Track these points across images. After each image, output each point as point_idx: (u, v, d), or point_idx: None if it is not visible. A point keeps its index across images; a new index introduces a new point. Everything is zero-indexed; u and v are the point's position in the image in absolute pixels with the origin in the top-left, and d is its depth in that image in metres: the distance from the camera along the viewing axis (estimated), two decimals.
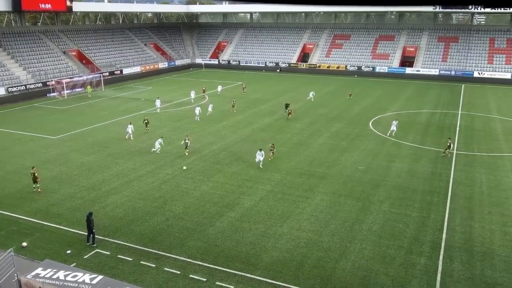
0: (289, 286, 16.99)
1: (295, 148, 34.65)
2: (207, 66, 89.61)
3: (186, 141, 32.47)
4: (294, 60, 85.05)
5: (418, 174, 29.10)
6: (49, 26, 74.62)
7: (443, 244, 20.21)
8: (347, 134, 38.78)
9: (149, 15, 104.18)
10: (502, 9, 69.26)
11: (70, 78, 61.52)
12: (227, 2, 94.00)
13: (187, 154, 32.29)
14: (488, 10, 74.21)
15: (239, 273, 17.76)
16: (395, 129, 37.70)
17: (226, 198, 25.08)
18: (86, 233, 20.01)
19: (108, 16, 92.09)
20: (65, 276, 15.06)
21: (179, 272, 17.80)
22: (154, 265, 18.29)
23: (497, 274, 17.84)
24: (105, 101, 54.92)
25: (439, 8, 76.29)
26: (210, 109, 46.02)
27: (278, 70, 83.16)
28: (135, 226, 21.77)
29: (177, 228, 21.49)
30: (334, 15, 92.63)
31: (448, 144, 32.72)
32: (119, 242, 20.24)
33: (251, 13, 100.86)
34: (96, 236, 19.98)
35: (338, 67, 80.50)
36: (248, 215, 23.00)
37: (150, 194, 25.27)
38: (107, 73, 69.24)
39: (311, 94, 54.54)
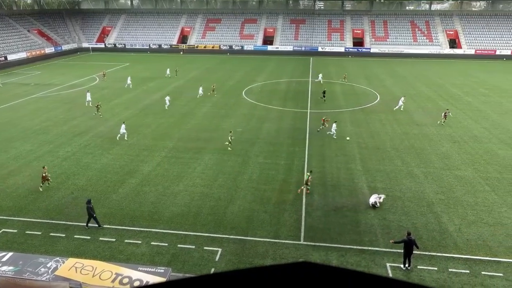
0: (189, 233, 17.15)
1: (183, 118, 34.06)
2: (94, 49, 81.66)
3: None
4: (174, 42, 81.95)
5: (283, 130, 30.88)
6: None
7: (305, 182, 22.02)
8: (225, 103, 39.20)
9: (29, 1, 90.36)
10: None
11: None
12: None
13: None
14: None
15: (145, 229, 17.34)
16: (401, 104, 35.55)
17: (126, 167, 23.89)
18: None
19: None
20: None
21: (89, 237, 16.74)
22: (64, 235, 16.87)
23: (343, 199, 20.13)
24: None
25: None
26: (129, 81, 46.50)
27: (181, 52, 78.93)
28: (40, 203, 19.65)
29: (82, 199, 19.85)
30: (206, 2, 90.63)
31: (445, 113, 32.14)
32: (26, 219, 18.17)
33: (131, 0, 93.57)
34: (0, 217, 17.65)
35: (213, 47, 79.79)
36: (147, 179, 22.29)
37: (51, 172, 22.61)
38: None
39: (320, 77, 48.83)
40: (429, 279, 14.47)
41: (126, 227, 17.50)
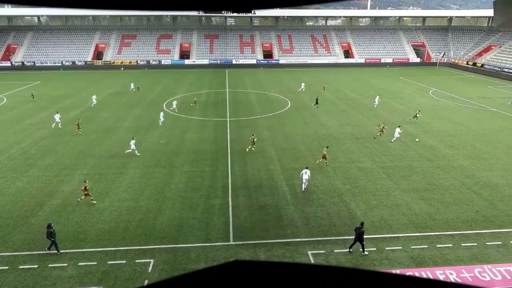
0: (119, 248, 16.08)
1: (104, 133, 31.95)
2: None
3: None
4: (89, 58, 76.65)
5: (206, 139, 30.66)
6: None
7: (230, 186, 22.08)
8: (147, 116, 37.72)
9: None
10: (244, 13, 76.46)
11: None
12: (9, 6, 76.77)
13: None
14: (235, 14, 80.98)
15: (70, 250, 15.83)
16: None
17: (45, 189, 21.60)
18: None
19: None
20: None
21: (7, 267, 14.76)
22: None
23: (266, 198, 20.62)
24: None
25: (202, 13, 79.33)
26: (94, 100, 41.94)
27: (121, 68, 73.91)
28: None
29: None
30: (120, 18, 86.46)
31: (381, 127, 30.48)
32: None
33: (38, 16, 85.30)
34: None
35: (130, 62, 76.34)
36: (70, 199, 20.40)
37: None
38: None
39: (302, 85, 50.94)
40: (344, 260, 15.47)
41: (50, 252, 15.79)
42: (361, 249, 15.77)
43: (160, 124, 34.38)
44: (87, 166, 24.91)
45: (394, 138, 29.54)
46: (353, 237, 15.78)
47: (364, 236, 15.59)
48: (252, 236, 17.00)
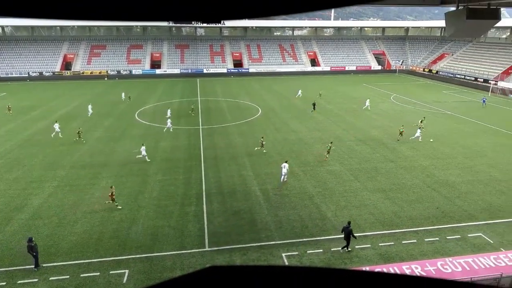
0: (92, 260, 15.46)
1: (74, 144, 30.77)
2: None
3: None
4: (57, 69, 73.85)
5: (179, 147, 30.22)
6: None
7: (204, 193, 21.84)
8: (118, 126, 36.72)
9: None
10: (213, 24, 76.49)
11: None
12: None
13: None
14: (205, 25, 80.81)
15: (41, 265, 15.04)
16: (368, 104, 42.59)
17: (12, 203, 20.46)
18: None
19: None
20: None
21: None
22: None
23: (240, 203, 20.55)
24: None
25: (172, 23, 78.58)
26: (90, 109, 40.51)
27: (105, 78, 71.41)
28: None
29: None
30: (89, 29, 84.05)
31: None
32: None
33: (2, 27, 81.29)
34: None
35: (100, 72, 74.21)
36: (39, 212, 19.45)
37: None
38: None
39: (299, 92, 52.48)
40: (317, 260, 15.65)
41: (18, 267, 14.94)
42: (345, 247, 16.11)
43: (170, 130, 34.41)
44: (57, 178, 23.87)
45: (414, 137, 31.47)
46: (323, 237, 16.00)
47: (335, 236, 15.85)
48: (227, 241, 16.86)
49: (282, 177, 22.61)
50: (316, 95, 52.12)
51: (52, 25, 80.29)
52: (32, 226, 18.05)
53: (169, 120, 35.41)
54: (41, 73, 71.95)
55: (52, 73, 72.30)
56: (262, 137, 29.65)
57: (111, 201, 19.74)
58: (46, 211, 19.52)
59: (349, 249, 16.05)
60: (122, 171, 24.94)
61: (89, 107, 42.04)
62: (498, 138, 32.81)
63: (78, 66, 75.40)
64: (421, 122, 35.59)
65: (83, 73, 73.74)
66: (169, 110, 39.90)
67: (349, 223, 16.13)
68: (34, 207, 20.06)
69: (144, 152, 26.74)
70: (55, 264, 15.17)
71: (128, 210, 19.67)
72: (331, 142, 28.33)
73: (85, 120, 38.74)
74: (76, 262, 15.32)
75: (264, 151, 28.60)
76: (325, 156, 27.17)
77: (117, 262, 15.30)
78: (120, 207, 19.80)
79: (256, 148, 29.01)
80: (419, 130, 31.68)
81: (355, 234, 16.14)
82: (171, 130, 34.47)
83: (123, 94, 51.54)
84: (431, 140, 31.75)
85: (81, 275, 14.49)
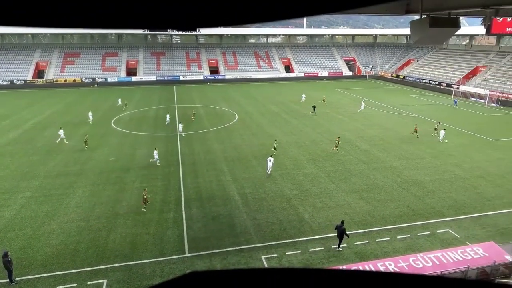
0: (69, 271, 14.87)
1: (48, 154, 29.62)
2: None
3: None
4: (29, 77, 71.07)
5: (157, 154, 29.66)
6: None
7: (183, 199, 21.54)
8: (94, 134, 35.66)
9: None
10: (189, 32, 75.97)
11: None
12: None
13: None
14: (180, 32, 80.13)
15: (15, 279, 14.31)
16: (363, 107, 44.88)
17: None
18: None
19: None
20: None
21: None
22: None
23: (219, 208, 20.39)
24: None
25: (147, 31, 77.49)
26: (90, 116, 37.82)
27: (95, 85, 70.01)
28: None
29: None
30: (62, 36, 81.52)
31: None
32: None
33: None
34: None
35: (74, 80, 72.03)
36: (11, 224, 18.55)
37: None
38: None
39: (303, 97, 53.25)
40: (296, 261, 15.72)
41: (13, 283, 14.17)
42: (336, 246, 16.30)
43: (183, 135, 34.64)
44: (30, 188, 22.88)
45: (441, 138, 32.59)
46: (301, 238, 16.10)
47: (312, 237, 15.98)
48: (207, 246, 16.67)
49: (268, 169, 24.59)
50: (288, 101, 52.59)
51: (23, 32, 77.36)
52: (4, 239, 17.19)
53: (180, 125, 36.17)
54: (12, 81, 69.06)
55: (23, 82, 69.54)
56: (276, 140, 30.81)
57: (145, 204, 19.91)
58: (19, 223, 18.65)
59: (340, 248, 16.26)
60: (99, 180, 24.23)
61: (90, 114, 41.45)
62: (462, 138, 34.27)
63: (51, 74, 72.91)
64: (437, 126, 35.35)
65: (56, 81, 71.34)
66: (168, 116, 40.27)
67: (342, 222, 16.40)
68: (6, 219, 19.12)
69: (156, 156, 26.94)
70: (29, 277, 14.49)
71: (106, 219, 19.09)
72: (339, 137, 30.76)
73: (55, 131, 37.46)
74: (52, 274, 14.70)
75: (274, 153, 28.18)
76: (334, 148, 29.86)
77: (95, 272, 14.79)
78: (144, 210, 19.81)
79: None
80: (442, 131, 32.83)
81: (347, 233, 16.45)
82: (183, 135, 34.78)
83: (119, 100, 51.10)
84: (446, 141, 32.47)
85: (57, 287, 13.90)
